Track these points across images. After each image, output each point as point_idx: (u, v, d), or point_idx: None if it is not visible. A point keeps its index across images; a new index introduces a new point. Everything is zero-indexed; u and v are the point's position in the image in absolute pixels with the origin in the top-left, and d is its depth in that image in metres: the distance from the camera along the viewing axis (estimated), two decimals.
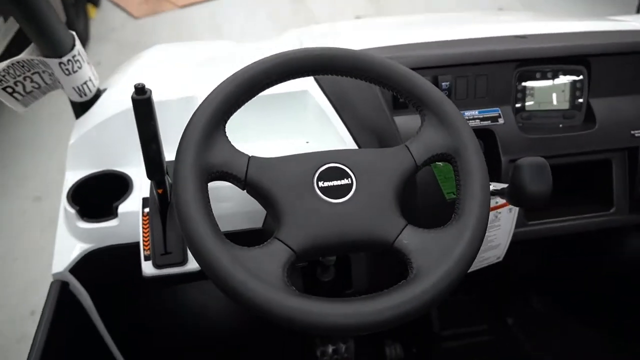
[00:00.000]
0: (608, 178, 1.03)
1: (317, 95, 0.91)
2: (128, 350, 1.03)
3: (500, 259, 1.02)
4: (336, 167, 0.67)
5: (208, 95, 0.67)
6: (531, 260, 1.59)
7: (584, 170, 1.07)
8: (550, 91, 1.01)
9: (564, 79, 1.00)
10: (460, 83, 0.94)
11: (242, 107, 0.93)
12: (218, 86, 0.68)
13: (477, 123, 0.95)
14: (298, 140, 0.94)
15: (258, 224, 0.88)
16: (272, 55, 0.71)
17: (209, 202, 0.62)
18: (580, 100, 1.00)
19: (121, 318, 1.00)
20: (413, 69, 0.91)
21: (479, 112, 0.96)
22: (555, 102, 1.01)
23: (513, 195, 0.78)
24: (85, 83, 0.89)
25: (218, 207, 0.86)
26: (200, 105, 0.67)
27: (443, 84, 0.92)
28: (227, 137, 0.67)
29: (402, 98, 0.74)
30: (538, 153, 0.97)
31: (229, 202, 0.85)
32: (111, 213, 0.85)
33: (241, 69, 0.70)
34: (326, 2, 4.21)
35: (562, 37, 1.01)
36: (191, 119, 0.66)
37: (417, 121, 0.92)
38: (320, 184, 0.66)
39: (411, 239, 0.63)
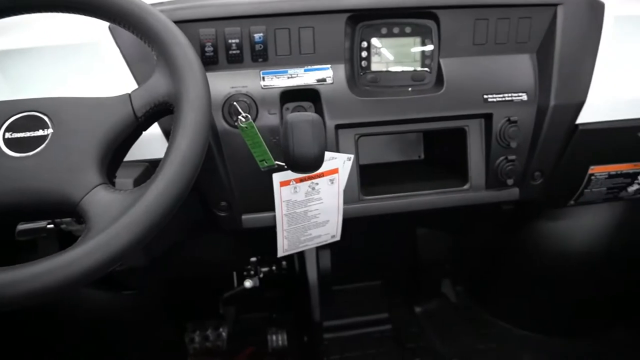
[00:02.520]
0: (464, 150, 0.91)
1: (111, 47, 0.81)
2: None
3: (337, 238, 0.91)
4: (34, 115, 0.57)
5: None
6: (442, 245, 1.48)
7: (445, 140, 0.95)
8: (398, 49, 0.89)
9: (412, 36, 0.88)
10: (281, 36, 0.83)
11: (30, 63, 0.83)
12: None
13: (301, 82, 0.84)
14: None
15: None
16: None
17: None
18: (430, 60, 0.88)
19: None
20: (214, 18, 0.80)
21: (305, 70, 0.84)
22: (403, 62, 0.89)
23: (285, 159, 0.67)
24: None
25: None
26: None
27: (255, 35, 0.81)
28: None
29: (137, 35, 0.63)
30: (372, 118, 0.86)
31: None
32: None
33: None
34: None
35: None
36: None
37: (223, 81, 0.80)
38: (8, 135, 0.56)
39: (98, 199, 0.53)
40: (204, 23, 0.79)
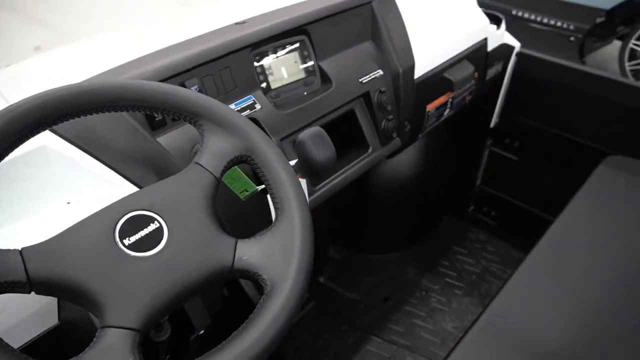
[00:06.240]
0: (358, 125, 1.15)
1: (60, 146, 0.76)
2: None
3: None
4: (135, 215, 0.57)
5: None
6: (322, 217, 1.71)
7: (342, 125, 1.17)
8: (285, 65, 1.06)
9: (292, 51, 1.06)
10: (208, 82, 0.91)
11: None
12: None
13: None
14: (56, 204, 0.78)
15: (52, 320, 0.70)
16: None
17: None
18: (312, 65, 1.08)
19: None
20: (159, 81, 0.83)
21: (236, 105, 0.94)
22: (292, 74, 1.07)
23: (305, 168, 0.80)
24: None
25: None
26: None
27: (192, 88, 0.87)
28: None
29: (171, 116, 0.67)
30: (298, 124, 1.02)
31: (2, 315, 0.66)
32: None
33: None
34: None
35: (279, 14, 1.06)
36: None
37: (181, 137, 0.86)
38: (126, 241, 0.55)
39: (249, 252, 0.59)
40: None
